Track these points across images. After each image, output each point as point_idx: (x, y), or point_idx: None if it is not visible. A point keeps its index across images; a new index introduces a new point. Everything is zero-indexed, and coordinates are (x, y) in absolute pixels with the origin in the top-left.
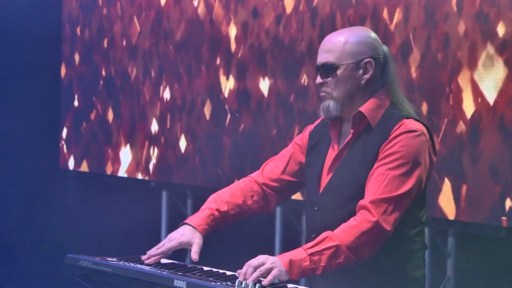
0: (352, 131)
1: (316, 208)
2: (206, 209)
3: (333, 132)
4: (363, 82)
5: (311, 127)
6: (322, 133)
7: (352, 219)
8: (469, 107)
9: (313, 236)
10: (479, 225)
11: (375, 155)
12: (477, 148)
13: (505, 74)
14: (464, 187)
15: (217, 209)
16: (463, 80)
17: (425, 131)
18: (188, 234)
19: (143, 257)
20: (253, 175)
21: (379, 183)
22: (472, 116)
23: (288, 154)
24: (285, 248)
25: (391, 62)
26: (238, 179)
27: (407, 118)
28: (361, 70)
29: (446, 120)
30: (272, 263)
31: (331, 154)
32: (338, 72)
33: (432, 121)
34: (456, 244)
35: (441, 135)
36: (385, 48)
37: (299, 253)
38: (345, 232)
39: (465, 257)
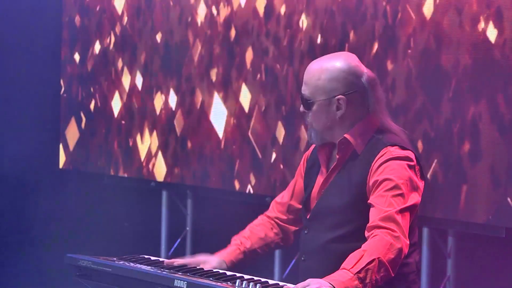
0: (338, 157)
1: (305, 232)
2: (233, 246)
3: (322, 156)
4: (337, 117)
5: (308, 152)
6: (316, 157)
7: (373, 236)
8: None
9: (302, 258)
10: (479, 225)
11: (360, 182)
12: (477, 148)
13: None
14: (464, 187)
15: (241, 243)
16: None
17: (412, 156)
18: (215, 259)
19: (167, 261)
20: (266, 212)
21: (381, 205)
22: (472, 115)
23: (293, 183)
24: (285, 249)
25: (374, 90)
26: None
27: (392, 145)
28: (335, 106)
29: (445, 119)
30: None
31: (320, 178)
32: (313, 107)
33: (432, 121)
34: (456, 244)
35: (439, 135)
36: (364, 78)
37: (344, 275)
38: (376, 246)
39: (465, 257)
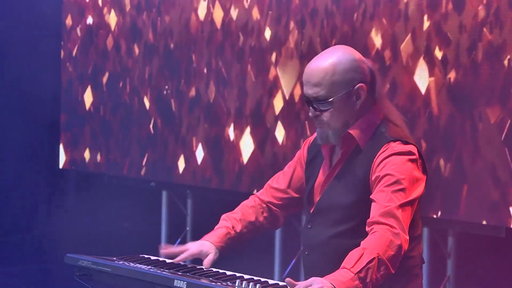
0: (341, 151)
1: (309, 226)
2: (223, 228)
3: (325, 150)
4: (357, 107)
5: (310, 139)
6: (318, 149)
7: (373, 232)
8: (469, 107)
9: (306, 253)
10: (479, 225)
11: (363, 178)
12: (478, 148)
13: None
14: (464, 187)
15: (232, 227)
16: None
17: (414, 150)
18: (207, 246)
19: (163, 250)
20: (259, 193)
21: (381, 200)
22: (472, 116)
23: (291, 170)
24: (285, 248)
25: (377, 75)
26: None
27: (394, 140)
28: (354, 96)
29: (446, 119)
30: None
31: (322, 173)
32: (333, 105)
33: (432, 121)
34: (456, 244)
35: (440, 134)
36: (369, 63)
37: (345, 275)
38: (376, 244)
39: (465, 257)
